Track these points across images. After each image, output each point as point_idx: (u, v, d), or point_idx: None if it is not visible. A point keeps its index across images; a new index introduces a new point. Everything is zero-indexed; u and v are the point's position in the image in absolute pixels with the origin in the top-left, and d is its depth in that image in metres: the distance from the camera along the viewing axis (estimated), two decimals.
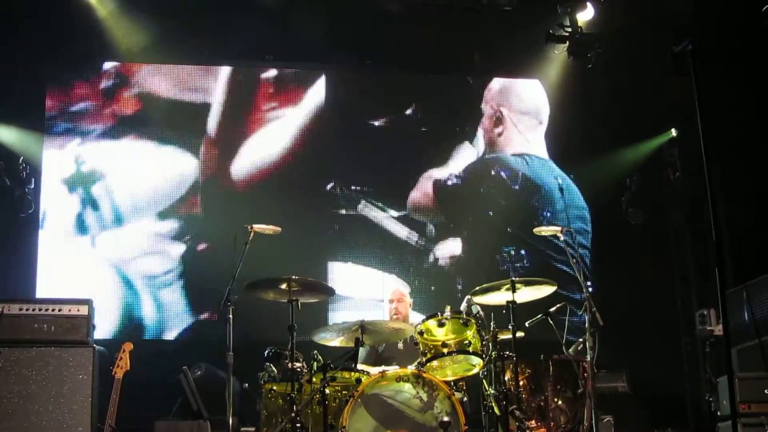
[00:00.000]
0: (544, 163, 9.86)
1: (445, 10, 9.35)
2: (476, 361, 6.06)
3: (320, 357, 6.03)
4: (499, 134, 9.87)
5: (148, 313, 8.70)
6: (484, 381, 6.13)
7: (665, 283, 9.79)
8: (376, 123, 9.73)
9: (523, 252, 9.55)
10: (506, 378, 6.00)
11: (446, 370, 6.12)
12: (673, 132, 9.82)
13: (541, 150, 9.89)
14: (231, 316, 5.93)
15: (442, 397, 5.76)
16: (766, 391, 6.89)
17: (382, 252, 9.45)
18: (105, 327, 8.42)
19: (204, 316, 8.63)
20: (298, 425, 5.62)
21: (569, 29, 8.92)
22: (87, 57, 9.25)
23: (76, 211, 8.95)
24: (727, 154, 8.59)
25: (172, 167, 9.20)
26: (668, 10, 8.91)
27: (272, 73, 9.65)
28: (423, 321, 6.15)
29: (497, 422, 5.97)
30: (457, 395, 5.90)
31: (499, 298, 6.12)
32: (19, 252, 8.71)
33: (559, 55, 9.29)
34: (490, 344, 6.03)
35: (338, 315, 8.83)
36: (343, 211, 9.49)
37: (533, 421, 6.05)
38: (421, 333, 6.10)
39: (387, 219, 9.53)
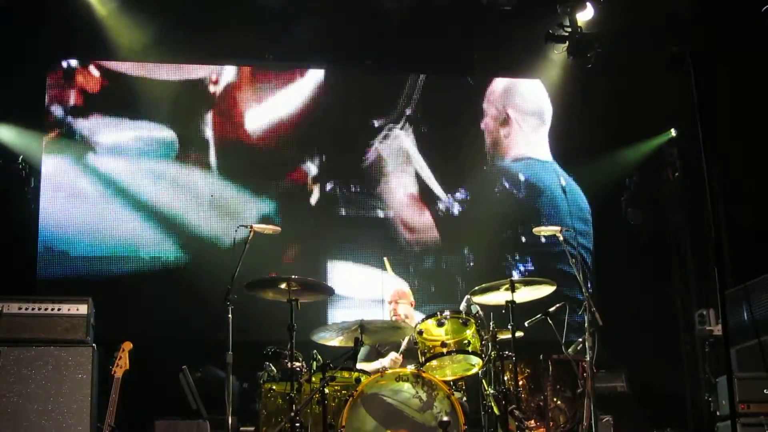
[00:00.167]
0: (546, 165, 9.85)
1: (445, 9, 9.35)
2: (475, 360, 6.06)
3: (320, 356, 6.04)
4: (500, 135, 9.87)
5: (147, 311, 8.69)
6: (483, 381, 6.13)
7: (664, 283, 9.79)
8: (376, 123, 9.73)
9: (526, 255, 9.54)
10: (505, 378, 6.01)
11: (445, 370, 6.13)
12: (673, 132, 9.82)
13: (543, 151, 9.89)
14: (230, 315, 5.94)
15: (442, 397, 5.76)
16: (765, 391, 6.89)
17: (382, 252, 9.43)
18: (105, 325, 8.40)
19: (203, 315, 8.61)
20: (298, 425, 5.62)
21: (569, 29, 8.92)
22: (87, 56, 9.24)
23: (76, 210, 8.95)
24: (727, 154, 8.59)
25: (172, 167, 9.20)
26: (668, 10, 8.92)
27: (271, 72, 9.64)
28: (422, 321, 6.15)
29: (496, 422, 5.98)
30: (457, 395, 5.90)
31: (498, 297, 6.12)
32: (19, 250, 8.70)
33: (558, 55, 9.29)
34: (490, 344, 6.04)
35: (338, 315, 8.82)
36: (343, 211, 9.48)
37: (532, 421, 6.06)
38: (420, 333, 6.10)
39: (387, 219, 9.52)
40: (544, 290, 6.20)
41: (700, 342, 9.25)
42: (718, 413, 7.50)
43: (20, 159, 8.68)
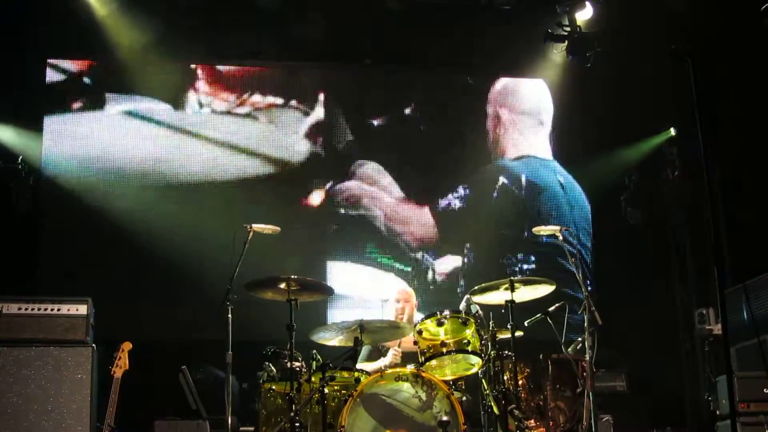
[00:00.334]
0: (546, 163, 9.85)
1: (445, 8, 9.34)
2: (475, 360, 6.06)
3: (319, 356, 6.04)
4: (500, 135, 9.86)
5: (147, 311, 8.69)
6: (483, 380, 6.13)
7: (664, 282, 9.79)
8: (375, 122, 9.73)
9: (527, 254, 9.54)
10: (505, 377, 6.01)
11: (445, 370, 6.13)
12: (672, 131, 9.82)
13: (542, 150, 9.89)
14: (230, 315, 5.94)
15: (441, 397, 5.75)
16: (765, 390, 6.89)
17: (381, 251, 9.44)
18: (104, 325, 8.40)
19: (203, 315, 8.61)
20: (297, 425, 5.62)
21: (568, 28, 8.92)
22: (86, 56, 9.24)
23: (76, 209, 8.95)
24: (727, 153, 8.60)
25: (173, 168, 9.19)
26: (667, 9, 8.91)
27: (271, 72, 9.64)
28: (422, 320, 6.15)
29: (496, 422, 5.98)
30: (456, 395, 5.90)
31: (497, 297, 6.12)
32: (19, 250, 8.70)
33: (558, 54, 9.29)
34: (489, 343, 6.04)
35: (337, 314, 8.83)
36: (342, 211, 9.48)
37: (532, 421, 6.05)
38: (420, 332, 6.10)
39: (386, 218, 9.52)
40: (544, 290, 6.20)
41: (699, 341, 9.25)
42: (718, 412, 7.50)
43: (20, 159, 8.67)
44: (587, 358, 5.94)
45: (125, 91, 9.27)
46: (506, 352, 6.05)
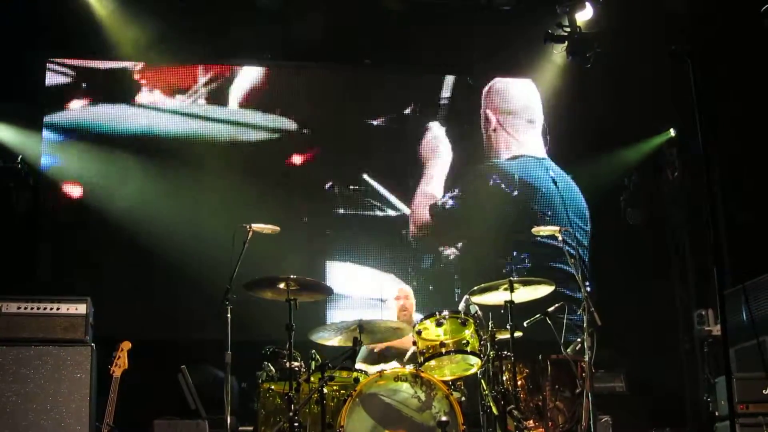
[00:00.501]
0: (540, 162, 9.85)
1: (444, 9, 9.35)
2: (474, 360, 6.06)
3: (318, 356, 6.04)
4: (495, 134, 9.86)
5: (146, 310, 8.68)
6: (482, 381, 6.13)
7: (664, 283, 9.79)
8: (375, 122, 9.73)
9: (523, 255, 9.54)
10: (504, 378, 6.01)
11: (444, 370, 6.13)
12: (672, 132, 9.82)
13: (534, 150, 9.88)
14: (229, 315, 5.93)
15: (440, 397, 5.75)
16: (764, 391, 6.89)
17: (381, 251, 9.44)
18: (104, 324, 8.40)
19: (202, 315, 8.60)
20: (296, 425, 5.62)
21: (568, 29, 8.92)
22: (85, 56, 9.24)
23: (76, 208, 8.95)
24: (727, 153, 8.60)
25: (173, 168, 9.20)
26: (667, 9, 8.92)
27: (270, 71, 9.64)
28: (421, 321, 6.15)
29: (495, 422, 5.97)
30: (455, 395, 5.90)
31: (497, 297, 6.12)
32: (18, 249, 8.70)
33: (558, 55, 9.29)
34: (488, 344, 6.04)
35: (336, 314, 8.82)
36: (342, 211, 9.48)
37: (531, 421, 6.05)
38: (419, 333, 6.09)
39: (386, 218, 9.52)
40: (543, 290, 6.20)
41: (699, 342, 9.24)
42: (717, 413, 7.49)
43: (19, 158, 8.67)
44: (586, 358, 5.93)
45: (125, 90, 9.28)
46: (505, 352, 6.05)
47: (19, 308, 6.26)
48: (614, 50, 9.07)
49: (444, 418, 5.63)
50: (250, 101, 9.53)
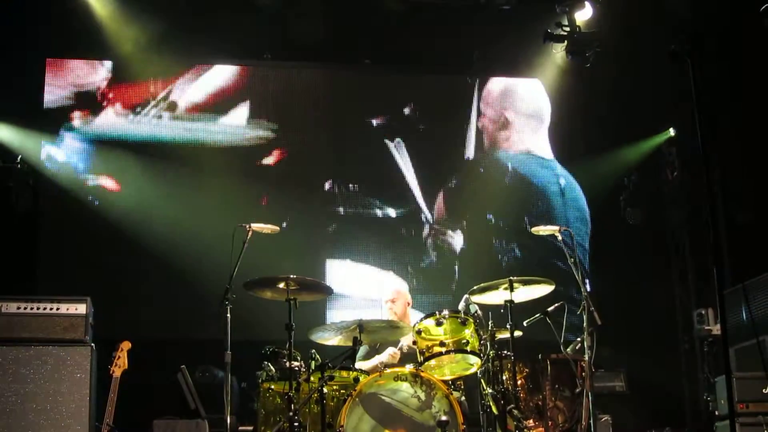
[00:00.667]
0: (543, 162, 9.85)
1: (444, 8, 9.35)
2: (474, 360, 6.06)
3: (318, 356, 6.04)
4: (497, 133, 9.86)
5: (146, 310, 8.68)
6: (482, 380, 6.13)
7: (663, 283, 9.79)
8: (375, 122, 9.73)
9: (522, 253, 9.55)
10: (504, 377, 6.00)
11: (444, 369, 6.12)
12: (672, 131, 9.82)
13: (542, 149, 9.89)
14: (229, 315, 5.93)
15: (440, 396, 5.75)
16: (764, 390, 6.89)
17: (380, 251, 9.44)
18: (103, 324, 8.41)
19: (202, 315, 8.61)
20: (296, 424, 5.62)
21: (568, 28, 8.93)
22: (85, 56, 9.24)
23: (75, 208, 8.96)
24: (726, 153, 8.60)
25: (173, 167, 9.20)
26: (667, 9, 8.92)
27: (270, 71, 9.64)
28: (421, 320, 6.14)
29: (495, 421, 5.97)
30: (455, 394, 5.90)
31: (497, 297, 6.12)
32: (18, 249, 8.70)
33: (557, 54, 9.29)
34: (488, 343, 6.03)
35: (336, 314, 8.82)
36: (342, 210, 9.48)
37: (531, 421, 6.06)
38: (419, 332, 6.09)
39: (385, 218, 9.53)
40: (543, 289, 6.20)
41: (698, 341, 9.25)
42: (716, 413, 7.50)
43: (19, 158, 8.67)
44: (586, 358, 5.94)
45: (125, 90, 9.28)
46: (505, 352, 6.05)
47: (19, 308, 6.26)
48: (614, 50, 9.08)
49: (444, 418, 5.63)
50: (249, 101, 9.53)
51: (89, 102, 9.20)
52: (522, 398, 6.07)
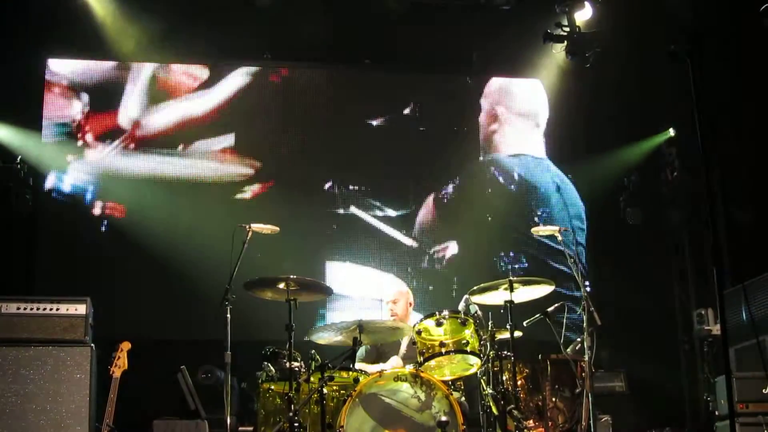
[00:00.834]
0: (540, 162, 9.85)
1: (444, 8, 9.35)
2: (474, 360, 6.05)
3: (318, 356, 6.03)
4: (495, 133, 9.86)
5: (146, 311, 8.68)
6: (482, 381, 6.12)
7: (663, 283, 9.78)
8: (374, 122, 9.73)
9: (521, 253, 9.54)
10: (504, 378, 6.00)
11: (444, 370, 6.12)
12: (671, 131, 9.81)
13: (537, 149, 9.89)
14: (229, 315, 5.93)
15: (440, 397, 5.75)
16: (764, 390, 6.89)
17: (380, 251, 9.44)
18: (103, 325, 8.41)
19: (202, 315, 8.62)
20: (296, 425, 5.61)
21: (567, 29, 8.93)
22: (85, 56, 9.24)
23: (75, 208, 8.96)
24: (726, 153, 8.59)
25: (173, 167, 9.20)
26: (667, 9, 8.92)
27: (269, 71, 9.64)
28: (421, 320, 6.14)
29: (495, 422, 5.97)
30: (455, 395, 5.90)
31: (496, 297, 6.12)
32: (18, 249, 8.70)
33: (557, 54, 9.29)
34: (488, 344, 6.03)
35: (336, 314, 8.82)
36: (341, 211, 9.48)
37: (531, 421, 6.06)
38: (419, 332, 6.09)
39: (385, 218, 9.52)
40: (543, 290, 6.19)
41: (698, 342, 9.25)
42: (716, 413, 7.50)
43: (19, 159, 8.67)
44: (586, 358, 5.94)
45: (124, 90, 9.28)
46: (505, 352, 6.05)
47: (18, 308, 6.26)
48: (614, 50, 9.08)
49: (444, 418, 5.63)
50: (248, 101, 9.53)
51: (90, 101, 9.19)
52: (522, 399, 6.07)
